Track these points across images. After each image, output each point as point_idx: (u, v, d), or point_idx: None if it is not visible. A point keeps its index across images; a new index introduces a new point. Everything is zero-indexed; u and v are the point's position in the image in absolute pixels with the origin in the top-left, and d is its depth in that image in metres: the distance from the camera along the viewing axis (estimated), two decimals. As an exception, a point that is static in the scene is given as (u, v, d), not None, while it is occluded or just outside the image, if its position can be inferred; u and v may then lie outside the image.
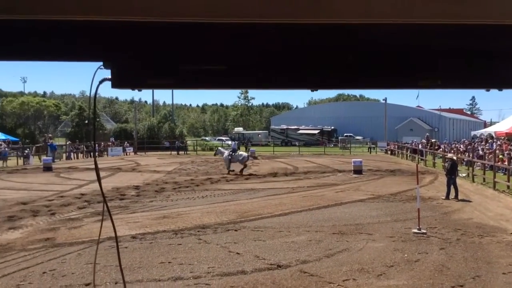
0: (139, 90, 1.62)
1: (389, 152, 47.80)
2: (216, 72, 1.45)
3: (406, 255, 9.16)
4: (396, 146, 46.43)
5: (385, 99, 62.31)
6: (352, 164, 25.78)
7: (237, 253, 9.22)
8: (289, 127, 71.39)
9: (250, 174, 25.04)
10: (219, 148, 31.30)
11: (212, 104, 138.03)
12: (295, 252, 9.35)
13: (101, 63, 1.46)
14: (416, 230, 10.92)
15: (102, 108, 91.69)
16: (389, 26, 1.29)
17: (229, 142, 62.53)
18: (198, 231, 11.06)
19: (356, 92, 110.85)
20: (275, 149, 52.85)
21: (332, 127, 70.55)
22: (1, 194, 17.40)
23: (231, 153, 26.58)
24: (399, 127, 67.70)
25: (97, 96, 1.69)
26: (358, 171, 24.94)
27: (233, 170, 25.44)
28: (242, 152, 28.80)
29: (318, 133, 68.59)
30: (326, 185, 20.48)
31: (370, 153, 50.03)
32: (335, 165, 31.40)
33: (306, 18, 1.19)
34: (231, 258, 8.86)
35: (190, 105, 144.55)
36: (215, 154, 30.31)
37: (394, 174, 25.34)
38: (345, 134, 67.56)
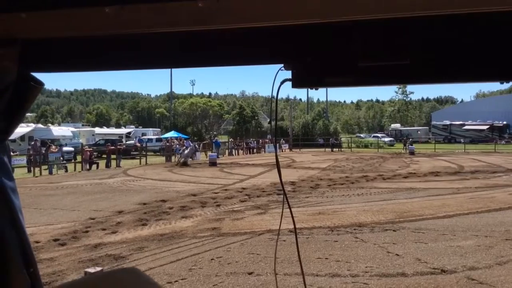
0: (316, 89, 1.68)
1: None
2: (398, 67, 1.42)
3: None
4: None
5: None
6: (530, 163, 22.82)
7: (396, 254, 8.88)
8: (453, 122, 66.14)
9: (409, 173, 23.86)
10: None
11: (367, 100, 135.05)
12: (461, 257, 8.63)
13: (282, 65, 1.55)
14: None
15: (260, 106, 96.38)
16: None
17: (386, 139, 60.50)
18: (354, 229, 10.93)
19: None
20: (436, 147, 49.46)
21: (505, 122, 63.30)
22: (175, 186, 19.50)
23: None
24: None
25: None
26: (537, 171, 21.98)
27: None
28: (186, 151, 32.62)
29: (488, 128, 62.23)
30: (497, 186, 18.47)
31: (553, 151, 43.65)
32: (508, 164, 28.14)
33: (491, 6, 1.10)
34: (390, 259, 8.57)
35: (344, 101, 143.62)
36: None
37: None
38: (520, 130, 60.05)
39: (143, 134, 57.63)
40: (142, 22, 1.28)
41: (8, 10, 1.27)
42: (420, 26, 1.35)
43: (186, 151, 32.54)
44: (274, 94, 1.73)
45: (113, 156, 31.90)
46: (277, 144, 2.31)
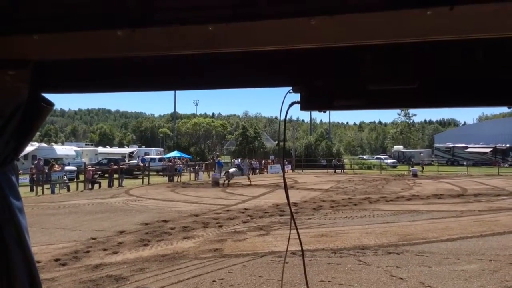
0: (324, 112, 1.70)
1: None
2: (406, 91, 1.44)
3: None
4: None
5: None
6: (534, 187, 22.67)
7: (400, 278, 8.78)
8: (456, 145, 66.05)
9: (413, 195, 23.74)
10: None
11: (370, 122, 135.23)
12: (466, 281, 8.53)
13: (291, 88, 1.57)
14: None
15: (263, 127, 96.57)
16: None
17: (388, 161, 60.36)
18: (358, 252, 10.83)
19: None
20: (439, 169, 49.31)
21: (508, 145, 63.15)
22: (177, 206, 19.43)
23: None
24: None
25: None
26: (541, 195, 21.82)
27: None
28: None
29: (491, 151, 62.12)
30: (501, 209, 18.34)
31: (557, 174, 43.41)
32: (511, 187, 27.98)
33: (497, 33, 1.13)
34: (393, 283, 8.47)
35: (347, 123, 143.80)
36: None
37: None
38: (524, 153, 59.85)
39: (146, 154, 57.69)
40: (154, 45, 1.30)
41: (21, 32, 1.30)
42: (428, 51, 1.37)
43: (231, 170, 32.58)
44: (283, 116, 1.75)
45: (115, 176, 31.90)
46: (283, 165, 2.32)
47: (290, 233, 2.13)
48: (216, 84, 1.71)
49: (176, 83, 1.74)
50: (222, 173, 32.51)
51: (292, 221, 2.09)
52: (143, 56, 1.45)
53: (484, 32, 1.13)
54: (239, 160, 37.33)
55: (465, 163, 54.79)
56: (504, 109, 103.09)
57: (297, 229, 2.12)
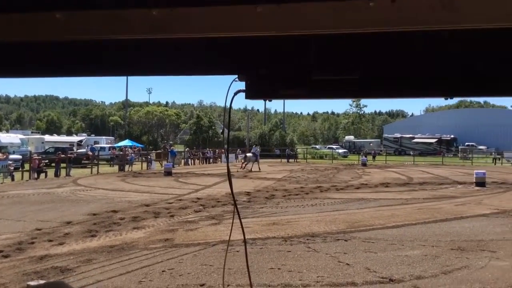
0: (270, 101, 1.69)
1: (517, 163, 43.48)
2: (349, 82, 1.45)
3: (538, 278, 8.23)
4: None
5: (514, 105, 56.76)
6: (474, 175, 23.88)
7: (347, 263, 9.04)
8: (403, 135, 68.44)
9: (361, 184, 24.45)
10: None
11: (323, 112, 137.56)
12: (409, 266, 8.89)
13: (236, 76, 1.56)
14: (550, 251, 9.77)
15: (217, 116, 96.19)
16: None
17: (340, 151, 61.75)
18: (307, 239, 11.05)
19: (480, 99, 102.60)
20: (387, 158, 50.96)
21: (452, 136, 66.14)
22: (127, 196, 19.07)
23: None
24: (530, 136, 61.23)
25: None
26: (480, 183, 23.01)
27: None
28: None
29: (436, 142, 64.84)
30: (444, 197, 19.23)
31: (495, 164, 45.93)
32: (454, 176, 29.39)
33: (439, 25, 1.16)
34: (340, 269, 8.70)
35: (301, 113, 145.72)
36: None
37: (523, 188, 22.98)
38: (466, 144, 62.90)
39: (96, 143, 56.09)
40: (94, 28, 1.25)
41: None
42: (370, 43, 1.39)
43: (249, 154, 35.08)
44: (228, 104, 1.73)
45: (63, 165, 30.85)
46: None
47: (232, 223, 2.13)
48: (160, 70, 1.67)
49: (118, 69, 1.68)
50: (241, 156, 36.23)
51: (236, 211, 2.08)
52: (86, 40, 1.39)
53: (424, 25, 1.15)
54: (256, 148, 38.39)
55: (411, 153, 56.90)
56: (450, 101, 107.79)
57: (240, 219, 2.12)
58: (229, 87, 1.60)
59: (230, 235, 2.36)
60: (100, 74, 1.76)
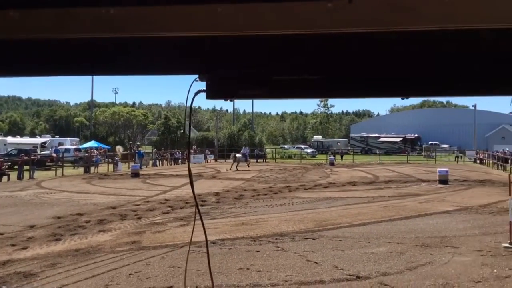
0: (231, 100, 1.69)
1: (478, 161, 44.95)
2: (309, 82, 1.46)
3: (495, 270, 8.53)
4: (486, 155, 43.49)
5: (475, 106, 58.76)
6: (438, 173, 24.55)
7: (315, 262, 9.13)
8: (370, 135, 69.71)
9: (329, 183, 24.76)
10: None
11: (291, 112, 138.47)
12: (375, 263, 9.07)
13: (197, 76, 1.55)
14: (507, 245, 10.14)
15: (186, 117, 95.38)
16: (476, 31, 1.23)
17: (308, 150, 62.32)
18: (276, 239, 11.11)
19: (443, 99, 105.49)
20: (354, 158, 51.79)
21: (416, 135, 67.78)
22: (93, 199, 18.69)
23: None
24: (490, 135, 63.38)
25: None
26: (443, 181, 23.69)
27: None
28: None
29: (401, 141, 66.27)
30: (408, 195, 19.69)
31: (457, 162, 47.34)
32: (418, 174, 30.13)
33: (395, 27, 1.18)
34: (308, 267, 8.79)
35: (270, 113, 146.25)
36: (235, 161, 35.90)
37: (483, 185, 23.78)
38: (430, 142, 64.57)
39: (60, 144, 54.70)
40: (47, 27, 1.22)
41: None
42: (329, 44, 1.40)
43: (238, 155, 36.34)
44: (189, 104, 1.72)
45: (26, 167, 29.95)
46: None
47: (194, 224, 2.11)
48: (120, 70, 1.64)
49: (76, 68, 1.64)
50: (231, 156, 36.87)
51: (198, 213, 2.07)
52: (42, 38, 1.35)
53: (380, 26, 1.18)
54: (246, 149, 41.37)
55: (377, 152, 58.03)
56: (414, 101, 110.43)
57: (202, 221, 2.11)
58: (190, 87, 1.60)
59: (191, 237, 2.34)
60: (61, 73, 1.72)
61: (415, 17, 1.14)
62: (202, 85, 1.56)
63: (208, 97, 1.56)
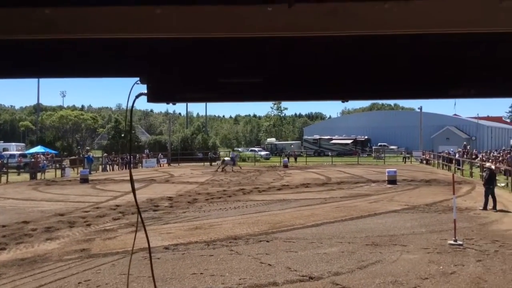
0: (174, 104, 1.66)
1: (424, 161, 46.76)
2: (253, 85, 1.46)
3: (441, 267, 8.90)
4: (432, 156, 45.31)
5: (421, 108, 60.99)
6: (386, 174, 25.33)
7: (268, 264, 9.19)
8: (322, 137, 70.96)
9: (283, 185, 24.99)
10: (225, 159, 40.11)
11: (245, 115, 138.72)
12: (327, 263, 9.23)
13: (138, 78, 1.51)
14: (452, 242, 10.61)
15: (138, 120, 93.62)
16: (415, 37, 1.28)
17: (262, 153, 62.65)
18: (230, 242, 11.09)
19: (391, 101, 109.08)
20: (307, 160, 52.56)
21: (366, 137, 69.65)
22: (40, 206, 17.96)
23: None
24: (435, 136, 66.09)
25: (133, 108, 1.74)
26: (392, 181, 24.48)
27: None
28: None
29: (352, 142, 67.89)
30: (359, 195, 20.20)
31: (405, 163, 49.04)
32: (368, 175, 30.96)
33: (333, 31, 1.20)
34: (262, 270, 8.83)
35: (223, 116, 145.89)
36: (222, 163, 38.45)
37: (429, 184, 24.77)
38: (379, 144, 66.52)
39: (5, 150, 52.24)
40: None
41: None
42: (272, 47, 1.41)
43: (226, 158, 38.97)
44: (129, 107, 1.68)
45: (-34, 174, 28.39)
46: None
47: (136, 231, 2.07)
48: (61, 72, 1.58)
49: (13, 71, 1.57)
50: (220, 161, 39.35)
51: (140, 219, 2.03)
52: None
53: (320, 30, 1.19)
54: (234, 153, 44.67)
55: (330, 153, 59.13)
56: (363, 104, 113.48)
57: (144, 227, 2.08)
58: (131, 90, 1.56)
59: (133, 244, 2.30)
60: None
61: (353, 22, 1.17)
62: (144, 88, 1.53)
63: (149, 100, 1.54)
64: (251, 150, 68.33)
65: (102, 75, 1.59)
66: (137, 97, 1.59)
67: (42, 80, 68.38)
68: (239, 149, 77.87)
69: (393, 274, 8.48)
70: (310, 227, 12.96)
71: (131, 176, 1.96)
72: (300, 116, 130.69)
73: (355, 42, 1.36)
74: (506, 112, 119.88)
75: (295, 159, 53.25)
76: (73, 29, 1.20)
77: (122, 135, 58.41)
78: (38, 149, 50.64)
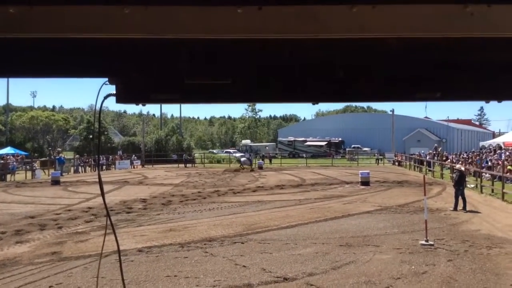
0: (143, 105, 1.65)
1: (396, 163, 47.57)
2: (221, 86, 1.47)
3: (413, 267, 9.08)
4: (404, 158, 46.13)
5: (393, 110, 62.10)
6: (360, 175, 25.68)
7: (243, 266, 9.19)
8: (297, 139, 71.34)
9: (258, 187, 25.03)
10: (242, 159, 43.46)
11: (220, 117, 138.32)
12: (302, 264, 9.29)
13: (107, 79, 1.50)
14: (423, 242, 10.82)
15: (110, 121, 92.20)
16: (382, 40, 1.31)
17: (236, 155, 62.55)
18: (205, 244, 11.04)
19: (364, 104, 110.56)
20: (282, 161, 52.77)
21: (340, 139, 70.39)
22: (9, 208, 17.51)
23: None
24: (407, 138, 67.41)
25: (106, 109, 1.73)
26: (365, 182, 24.83)
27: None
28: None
29: (326, 144, 68.49)
30: (333, 197, 20.40)
31: (378, 164, 49.79)
32: (342, 176, 31.30)
33: (302, 34, 1.22)
34: (237, 271, 8.82)
35: (198, 118, 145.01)
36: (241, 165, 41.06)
37: (401, 186, 25.21)
38: (352, 146, 67.36)
39: (-28, 151, 50.67)
40: None
41: None
42: (241, 50, 1.42)
43: (243, 159, 42.26)
44: (98, 108, 1.67)
45: None
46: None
47: (105, 233, 2.06)
48: (29, 72, 1.56)
49: None
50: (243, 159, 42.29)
51: (110, 222, 2.02)
52: None
53: (288, 33, 1.21)
54: (249, 154, 48.55)
55: (304, 155, 59.49)
56: (337, 106, 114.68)
57: (113, 230, 2.07)
58: (99, 91, 1.56)
59: (102, 246, 2.28)
60: None
61: (320, 27, 1.20)
62: (113, 88, 1.53)
63: (118, 101, 1.53)
64: (226, 152, 68.21)
65: (70, 75, 1.57)
66: (105, 97, 1.58)
67: (11, 79, 66.71)
68: (214, 151, 77.60)
69: (366, 274, 8.60)
70: (284, 228, 13.02)
71: (100, 179, 1.95)
72: (275, 118, 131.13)
73: (324, 45, 1.38)
74: (475, 115, 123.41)
75: (270, 160, 53.42)
76: (39, 28, 1.19)
77: (90, 136, 57.44)
78: (7, 150, 49.26)
